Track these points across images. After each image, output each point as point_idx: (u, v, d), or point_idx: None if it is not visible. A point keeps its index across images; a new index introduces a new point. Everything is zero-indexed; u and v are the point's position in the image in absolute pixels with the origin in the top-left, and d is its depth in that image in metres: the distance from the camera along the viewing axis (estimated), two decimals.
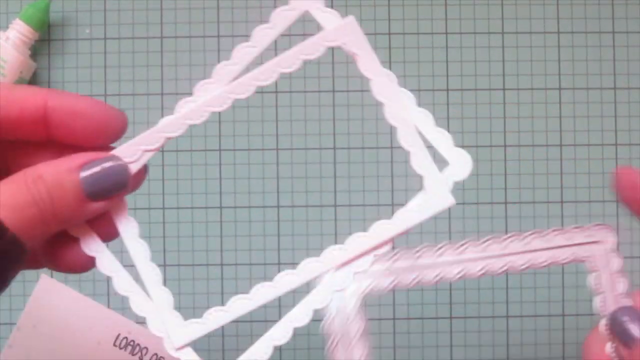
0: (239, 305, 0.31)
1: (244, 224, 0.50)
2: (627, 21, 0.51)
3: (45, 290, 0.49)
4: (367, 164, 0.51)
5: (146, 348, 0.49)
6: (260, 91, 0.51)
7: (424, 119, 0.31)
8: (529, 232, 0.32)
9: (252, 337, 0.50)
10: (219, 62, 0.51)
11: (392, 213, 0.51)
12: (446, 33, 0.51)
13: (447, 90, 0.51)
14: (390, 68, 0.52)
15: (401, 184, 0.50)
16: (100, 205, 0.29)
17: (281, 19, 0.31)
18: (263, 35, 0.31)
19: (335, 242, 0.50)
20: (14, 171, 0.28)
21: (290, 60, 0.31)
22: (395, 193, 0.50)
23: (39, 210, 0.27)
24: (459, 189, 0.50)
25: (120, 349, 0.49)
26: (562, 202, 0.50)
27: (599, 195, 0.50)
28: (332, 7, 0.51)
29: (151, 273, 0.31)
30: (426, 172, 0.31)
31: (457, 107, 0.51)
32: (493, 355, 0.50)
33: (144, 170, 0.32)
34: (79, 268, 0.31)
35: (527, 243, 0.32)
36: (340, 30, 0.30)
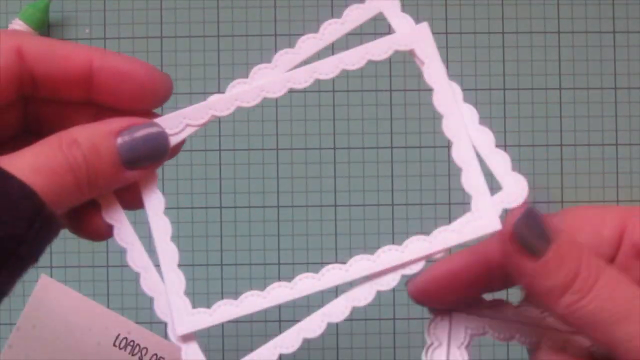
0: (251, 302, 0.30)
1: (244, 224, 0.50)
2: (627, 21, 0.51)
3: (45, 291, 0.49)
4: (367, 164, 0.51)
5: (146, 348, 0.49)
6: None
7: (483, 138, 0.30)
8: None
9: (252, 337, 0.50)
10: (218, 62, 0.51)
11: (392, 213, 0.51)
12: (446, 33, 0.51)
13: None
14: (390, 68, 0.53)
15: (401, 184, 0.50)
16: (135, 173, 0.28)
17: (354, 16, 0.30)
18: (331, 29, 0.30)
19: (335, 242, 0.51)
20: (47, 133, 0.27)
21: (355, 58, 0.30)
22: (395, 193, 0.50)
23: (74, 177, 0.26)
24: (459, 188, 0.50)
25: (120, 349, 0.49)
26: (562, 202, 0.50)
27: (599, 195, 0.50)
28: (331, 7, 0.51)
29: (169, 253, 0.30)
30: (476, 192, 0.29)
31: None
32: (493, 354, 0.50)
33: (181, 143, 0.30)
34: (98, 235, 0.30)
35: None
36: (413, 36, 0.29)
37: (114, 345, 0.49)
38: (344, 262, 0.29)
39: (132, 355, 0.49)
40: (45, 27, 0.50)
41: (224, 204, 0.50)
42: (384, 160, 0.50)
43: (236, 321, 0.52)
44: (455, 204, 0.50)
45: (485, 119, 0.53)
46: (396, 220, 0.50)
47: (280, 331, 0.52)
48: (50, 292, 0.49)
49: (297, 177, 0.51)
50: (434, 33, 0.52)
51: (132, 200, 0.30)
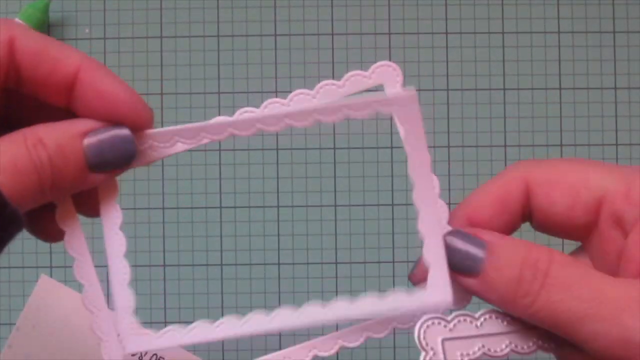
0: (200, 331, 0.30)
1: (244, 224, 0.50)
2: (627, 21, 0.51)
3: (44, 291, 0.49)
4: (367, 164, 0.50)
5: None
6: (260, 91, 0.51)
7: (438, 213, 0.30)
8: None
9: (252, 337, 0.50)
10: (218, 62, 0.51)
11: (392, 213, 0.51)
12: (446, 33, 0.51)
13: (447, 90, 0.51)
14: None
15: (401, 184, 0.50)
16: (100, 177, 0.27)
17: (354, 83, 0.28)
18: (327, 90, 0.29)
19: (336, 242, 0.50)
20: (16, 125, 0.26)
21: (331, 111, 0.28)
22: (395, 193, 0.50)
23: (38, 177, 0.25)
24: (459, 188, 0.51)
25: None
26: None
27: None
28: (331, 7, 0.51)
29: (121, 270, 0.29)
30: (434, 266, 0.28)
31: (457, 107, 0.50)
32: None
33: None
34: (49, 238, 0.30)
35: None
36: (398, 101, 0.28)
37: None
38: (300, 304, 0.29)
39: (132, 355, 0.49)
40: (45, 27, 0.50)
41: (224, 204, 0.50)
42: (384, 160, 0.50)
43: None
44: (455, 203, 0.50)
45: (485, 119, 0.53)
46: (396, 220, 0.50)
47: (280, 332, 0.52)
48: (50, 292, 0.49)
49: (297, 177, 0.51)
50: (434, 33, 0.53)
51: (90, 206, 0.29)
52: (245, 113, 0.29)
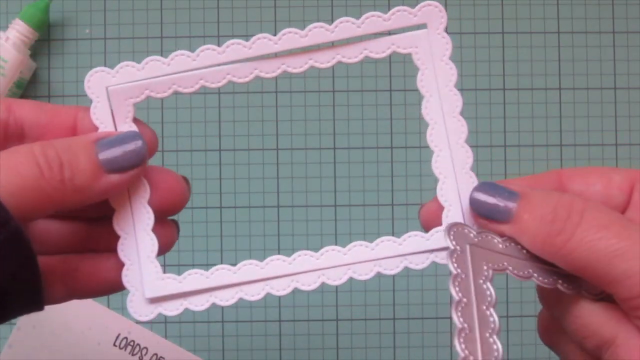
0: (221, 275, 0.29)
1: (244, 224, 0.50)
2: (627, 21, 0.51)
3: None
4: (367, 164, 0.51)
5: (146, 348, 0.49)
6: (260, 91, 0.51)
7: (463, 156, 0.31)
8: None
9: (252, 337, 0.50)
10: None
11: (392, 213, 0.51)
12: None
13: None
14: (390, 68, 0.53)
15: (401, 184, 0.50)
16: (115, 179, 0.27)
17: (399, 18, 0.29)
18: (372, 22, 0.29)
19: (335, 242, 0.50)
20: None
21: (353, 52, 0.29)
22: (395, 193, 0.50)
23: (47, 178, 0.25)
24: None
25: (120, 349, 0.49)
26: None
27: None
28: (331, 7, 0.51)
29: (145, 215, 0.29)
30: (448, 204, 0.29)
31: None
32: None
33: (154, 145, 0.30)
34: (100, 290, 0.29)
35: None
36: (414, 39, 0.28)
37: (114, 345, 0.49)
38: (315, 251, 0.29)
39: (132, 355, 0.49)
40: (45, 27, 0.50)
41: (224, 204, 0.50)
42: (384, 160, 0.51)
43: (236, 321, 0.52)
44: None
45: (485, 119, 0.53)
46: (396, 220, 0.50)
47: (280, 331, 0.53)
48: None
49: (297, 177, 0.51)
50: None
51: (166, 237, 0.31)
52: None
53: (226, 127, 0.51)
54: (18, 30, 0.48)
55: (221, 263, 0.50)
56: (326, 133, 0.51)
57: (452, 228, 0.29)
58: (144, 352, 0.49)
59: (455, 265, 0.28)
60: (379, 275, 0.29)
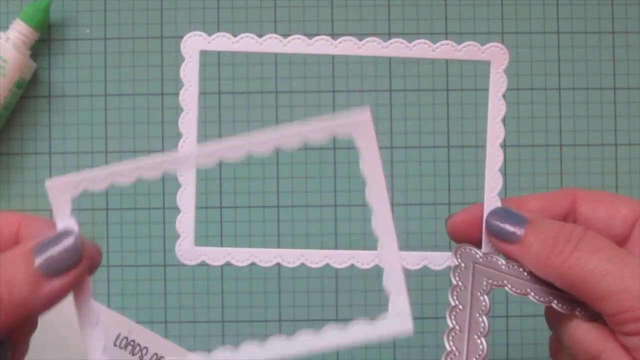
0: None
1: (244, 224, 0.50)
2: (626, 21, 0.51)
3: None
4: None
5: (146, 348, 0.49)
6: (260, 91, 0.51)
7: (494, 183, 0.34)
8: None
9: (253, 337, 0.50)
10: (218, 62, 0.51)
11: (392, 213, 0.51)
12: (446, 33, 0.51)
13: (447, 90, 0.51)
14: (390, 68, 0.53)
15: (401, 184, 0.50)
16: (57, 283, 0.27)
17: (469, 51, 0.34)
18: (445, 50, 0.33)
19: (336, 243, 0.51)
20: None
21: (291, 137, 0.30)
22: (395, 193, 0.50)
23: None
24: (459, 188, 0.51)
25: (121, 348, 0.49)
26: None
27: None
28: (332, 7, 0.51)
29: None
30: (394, 293, 0.32)
31: (456, 107, 0.51)
32: (493, 354, 0.50)
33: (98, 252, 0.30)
34: None
35: None
36: (354, 122, 0.30)
37: (115, 345, 0.49)
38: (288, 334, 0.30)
39: (133, 355, 0.49)
40: (45, 27, 0.50)
41: (224, 204, 0.50)
42: (384, 160, 0.50)
43: (236, 321, 0.52)
44: (455, 204, 0.50)
45: (485, 119, 0.53)
46: (396, 220, 0.50)
47: (280, 331, 0.53)
48: None
49: (297, 177, 0.51)
50: (434, 33, 0.53)
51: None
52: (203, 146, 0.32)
53: (226, 127, 0.51)
54: (18, 31, 0.48)
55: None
56: None
57: (460, 248, 0.33)
58: (144, 352, 0.49)
59: (457, 278, 0.33)
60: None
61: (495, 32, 0.51)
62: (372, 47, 0.33)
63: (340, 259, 0.33)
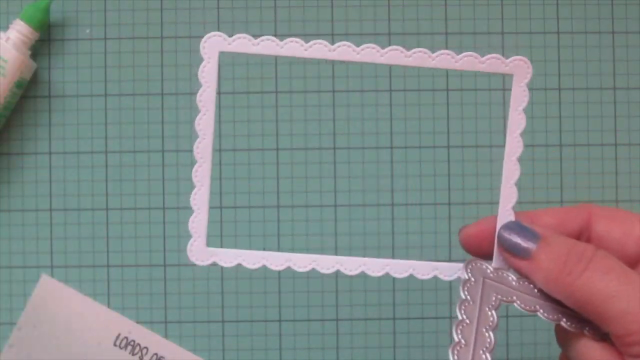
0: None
1: (244, 224, 0.50)
2: (626, 21, 0.51)
3: (45, 290, 0.49)
4: (367, 164, 0.51)
5: (146, 348, 0.49)
6: (260, 91, 0.51)
7: (509, 196, 0.35)
8: None
9: (252, 337, 0.50)
10: (219, 62, 0.51)
11: (392, 213, 0.51)
12: (446, 33, 0.51)
13: (447, 90, 0.51)
14: (390, 68, 0.53)
15: (401, 184, 0.50)
16: None
17: (492, 64, 0.34)
18: (467, 61, 0.34)
19: (335, 242, 0.51)
20: None
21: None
22: (395, 193, 0.50)
23: None
24: (458, 189, 0.51)
25: (121, 348, 0.49)
26: (561, 202, 0.51)
27: (599, 195, 0.51)
28: (332, 7, 0.51)
29: None
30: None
31: (457, 107, 0.51)
32: (493, 354, 0.50)
33: None
34: None
35: None
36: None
37: (115, 345, 0.49)
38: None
39: (133, 355, 0.49)
40: (46, 28, 0.50)
41: (224, 204, 0.50)
42: (384, 160, 0.51)
43: (237, 321, 0.52)
44: (455, 204, 0.50)
45: (485, 119, 0.53)
46: (396, 220, 0.50)
47: (280, 331, 0.53)
48: (50, 292, 0.50)
49: (297, 177, 0.51)
50: (434, 33, 0.53)
51: None
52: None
53: (226, 127, 0.51)
54: (18, 31, 0.48)
55: None
56: (326, 133, 0.51)
57: (471, 263, 0.34)
58: (144, 352, 0.49)
59: (466, 292, 0.33)
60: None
61: (496, 32, 0.51)
62: (420, 57, 0.33)
63: (351, 265, 0.34)
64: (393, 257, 0.50)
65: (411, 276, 0.52)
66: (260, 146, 0.51)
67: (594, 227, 0.33)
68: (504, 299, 0.33)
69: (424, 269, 0.34)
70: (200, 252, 0.34)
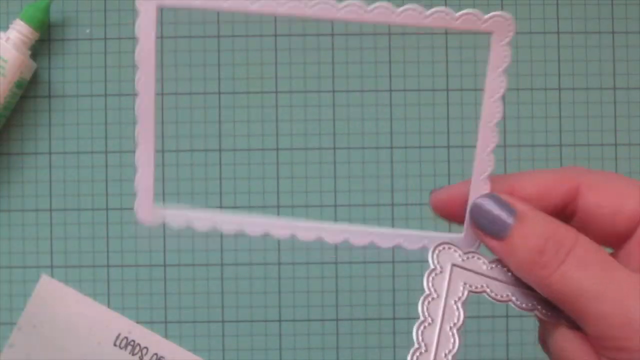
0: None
1: None
2: (626, 21, 0.51)
3: (45, 291, 0.49)
4: (367, 164, 0.51)
5: (146, 348, 0.49)
6: (260, 91, 0.51)
7: (485, 166, 0.33)
8: None
9: (252, 337, 0.50)
10: (219, 62, 0.51)
11: (392, 213, 0.51)
12: (446, 33, 0.51)
13: (447, 90, 0.51)
14: (390, 68, 0.53)
15: (401, 184, 0.50)
16: None
17: (466, 21, 0.29)
18: (439, 17, 0.29)
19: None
20: None
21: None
22: (395, 193, 0.50)
23: None
24: None
25: (121, 348, 0.49)
26: None
27: None
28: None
29: None
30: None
31: (456, 107, 0.51)
32: (493, 355, 0.50)
33: None
34: None
35: None
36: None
37: (115, 344, 0.49)
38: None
39: (133, 355, 0.49)
40: (46, 27, 0.50)
41: (224, 204, 0.50)
42: (384, 160, 0.51)
43: (237, 321, 0.52)
44: None
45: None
46: (396, 220, 0.50)
47: (280, 331, 0.53)
48: (51, 292, 0.50)
49: (297, 177, 0.51)
50: (433, 34, 0.53)
51: None
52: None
53: (226, 127, 0.51)
54: (18, 31, 0.48)
55: (221, 263, 0.51)
56: (326, 133, 0.51)
57: (439, 247, 0.30)
58: (144, 352, 0.49)
59: (430, 284, 0.29)
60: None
61: None
62: (352, 11, 0.29)
63: (333, 234, 0.31)
64: (393, 257, 0.50)
65: (411, 276, 0.52)
66: (260, 146, 0.51)
67: (581, 200, 0.29)
68: (474, 288, 0.29)
69: (413, 240, 0.31)
70: (147, 210, 0.32)
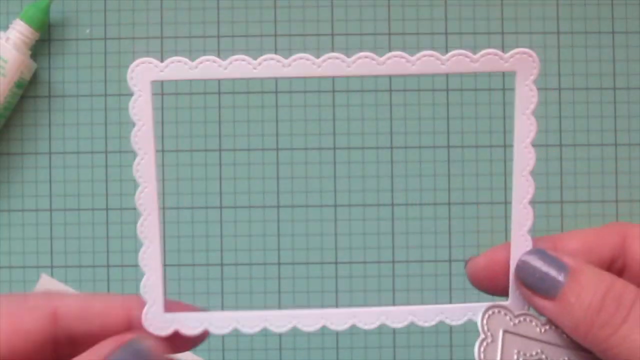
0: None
1: (244, 223, 0.50)
2: (626, 21, 0.51)
3: (45, 290, 0.49)
4: (367, 164, 0.51)
5: None
6: (260, 91, 0.51)
7: (523, 217, 0.29)
8: None
9: (252, 337, 0.50)
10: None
11: (392, 213, 0.51)
12: (446, 33, 0.51)
13: (447, 90, 0.51)
14: None
15: (401, 184, 0.50)
16: None
17: (488, 61, 0.28)
18: (457, 60, 0.28)
19: (335, 242, 0.51)
20: None
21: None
22: (395, 193, 0.50)
23: None
24: (458, 188, 0.51)
25: None
26: (561, 202, 0.51)
27: (599, 195, 0.51)
28: (332, 7, 0.51)
29: None
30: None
31: (456, 107, 0.51)
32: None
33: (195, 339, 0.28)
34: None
35: None
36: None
37: None
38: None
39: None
40: (46, 28, 0.50)
41: (224, 204, 0.50)
42: (384, 160, 0.51)
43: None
44: (455, 204, 0.50)
45: (485, 119, 0.53)
46: (396, 220, 0.50)
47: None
48: None
49: (297, 177, 0.51)
50: (433, 34, 0.53)
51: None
52: None
53: (226, 127, 0.51)
54: (18, 31, 0.48)
55: (221, 263, 0.51)
56: (326, 133, 0.51)
57: (489, 310, 0.28)
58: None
59: (482, 356, 0.27)
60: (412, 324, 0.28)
61: (495, 32, 0.51)
62: (364, 63, 0.27)
63: (368, 319, 0.28)
64: (393, 257, 0.50)
65: (411, 276, 0.52)
66: (260, 146, 0.51)
67: (629, 251, 0.27)
68: (527, 356, 0.27)
69: (429, 315, 0.28)
70: (157, 319, 0.28)
